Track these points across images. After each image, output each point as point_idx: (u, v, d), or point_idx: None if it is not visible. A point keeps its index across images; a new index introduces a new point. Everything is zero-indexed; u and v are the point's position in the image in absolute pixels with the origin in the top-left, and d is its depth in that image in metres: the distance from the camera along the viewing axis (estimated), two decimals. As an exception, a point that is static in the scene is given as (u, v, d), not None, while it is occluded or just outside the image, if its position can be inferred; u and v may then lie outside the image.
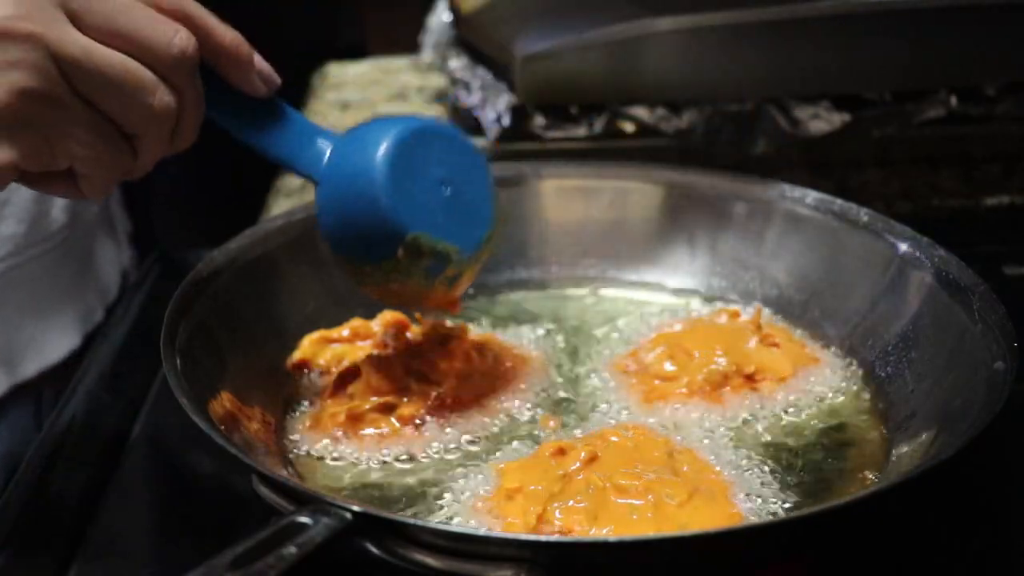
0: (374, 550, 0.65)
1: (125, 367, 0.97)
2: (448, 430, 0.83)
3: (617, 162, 1.05)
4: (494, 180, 0.84)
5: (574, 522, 0.71)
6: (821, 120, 1.15)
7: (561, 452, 0.76)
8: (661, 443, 0.78)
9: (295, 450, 0.83)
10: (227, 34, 0.74)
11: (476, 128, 1.22)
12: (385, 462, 0.81)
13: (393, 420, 0.83)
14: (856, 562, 0.74)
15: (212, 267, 0.88)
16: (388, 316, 0.91)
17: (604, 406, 0.87)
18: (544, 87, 1.16)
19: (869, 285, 0.92)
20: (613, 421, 0.84)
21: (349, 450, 0.82)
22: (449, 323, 0.92)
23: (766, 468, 0.79)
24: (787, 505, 0.75)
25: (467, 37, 1.28)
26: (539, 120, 1.17)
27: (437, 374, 0.85)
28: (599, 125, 1.17)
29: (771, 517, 0.74)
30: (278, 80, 0.78)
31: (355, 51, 1.70)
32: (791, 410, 0.85)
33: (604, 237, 1.04)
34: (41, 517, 0.80)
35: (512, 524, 0.72)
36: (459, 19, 1.31)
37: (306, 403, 0.87)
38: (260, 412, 0.84)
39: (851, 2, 1.12)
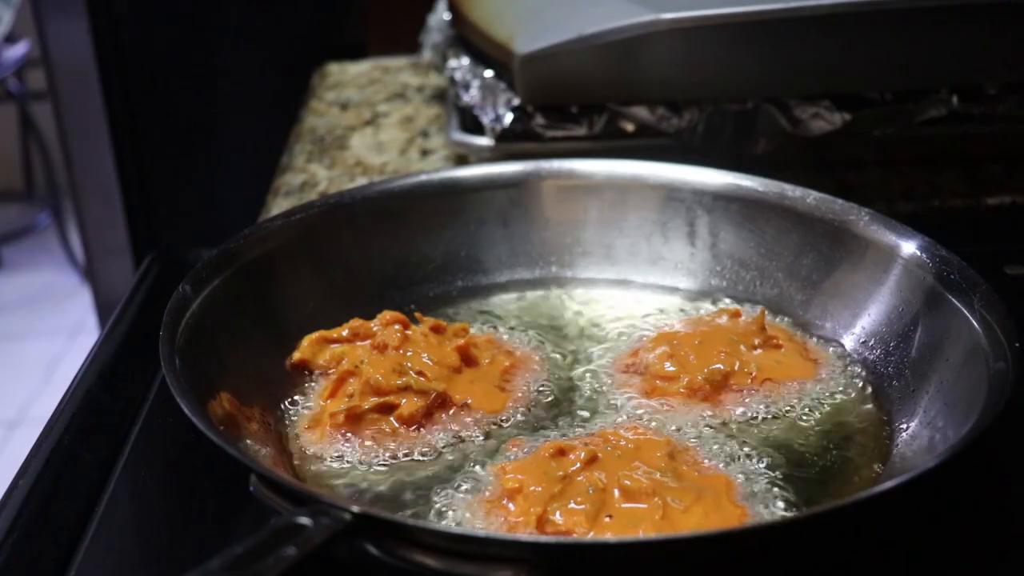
0: (374, 551, 0.65)
1: (125, 367, 0.97)
2: (447, 430, 0.83)
3: (617, 160, 1.05)
4: None
5: (575, 523, 0.71)
6: (821, 120, 1.14)
7: (561, 453, 0.76)
8: (662, 443, 0.78)
9: (294, 450, 0.82)
10: None
11: (476, 128, 1.21)
12: (385, 462, 0.81)
13: (392, 420, 0.83)
14: (855, 562, 0.74)
15: (212, 267, 0.88)
16: (388, 316, 0.91)
17: (604, 406, 0.86)
18: (544, 87, 1.16)
19: (870, 285, 0.92)
20: (613, 421, 0.84)
21: (349, 450, 0.82)
22: (449, 323, 0.92)
23: (768, 468, 0.79)
24: (789, 506, 0.75)
25: (467, 37, 1.28)
26: (539, 120, 1.17)
27: (436, 374, 0.85)
28: (599, 125, 1.16)
29: (774, 517, 0.74)
30: None
31: (355, 51, 1.70)
32: (792, 410, 0.85)
33: (604, 237, 1.04)
34: (41, 517, 0.80)
35: (512, 525, 0.72)
36: (459, 19, 1.30)
37: (306, 403, 0.87)
38: (259, 412, 0.83)
39: (851, 2, 1.12)
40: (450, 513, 0.75)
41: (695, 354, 0.88)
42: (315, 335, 0.90)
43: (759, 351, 0.89)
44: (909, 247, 0.90)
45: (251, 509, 0.72)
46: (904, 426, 0.82)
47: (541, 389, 0.89)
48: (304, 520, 0.63)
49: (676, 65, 1.14)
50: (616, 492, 0.73)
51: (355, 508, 0.64)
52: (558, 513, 0.72)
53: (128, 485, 0.84)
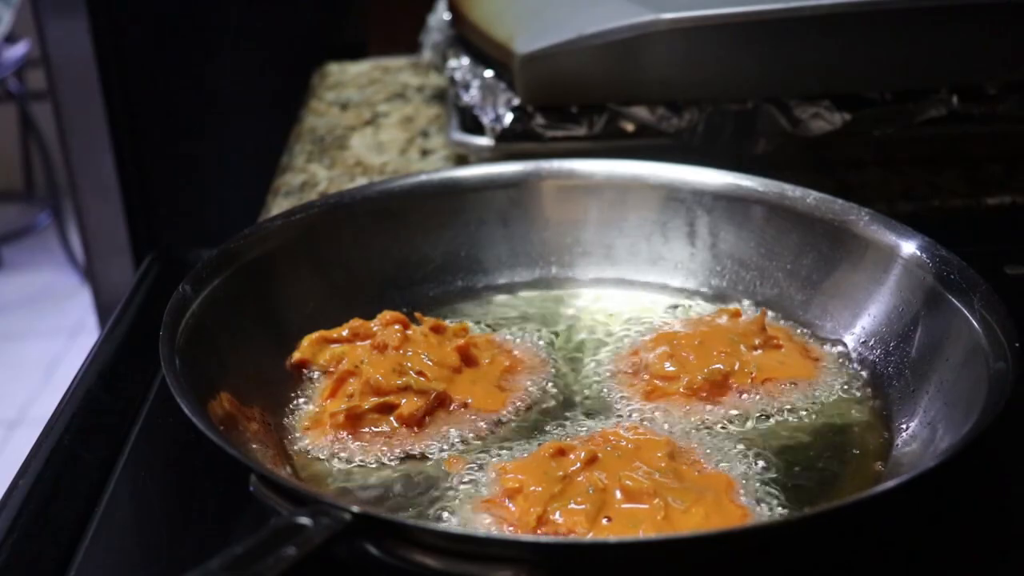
0: (373, 551, 0.65)
1: (125, 367, 0.97)
2: (447, 430, 0.83)
3: (617, 160, 1.05)
4: None
5: (575, 523, 0.71)
6: (821, 120, 1.14)
7: (561, 453, 0.76)
8: (662, 443, 0.78)
9: (294, 450, 0.82)
10: None
11: (476, 128, 1.21)
12: (385, 462, 0.81)
13: (393, 420, 0.83)
14: (855, 562, 0.74)
15: (212, 267, 0.88)
16: (388, 316, 0.91)
17: (604, 406, 0.86)
18: (544, 87, 1.16)
19: (870, 285, 0.92)
20: (613, 421, 0.84)
21: (349, 450, 0.82)
22: (449, 323, 0.92)
23: (768, 468, 0.79)
24: (790, 506, 0.75)
25: (467, 37, 1.28)
26: (539, 120, 1.17)
27: (436, 374, 0.85)
28: (599, 125, 1.16)
29: (774, 517, 0.74)
30: None
31: (355, 51, 1.70)
32: (792, 410, 0.85)
33: (604, 237, 1.04)
34: (41, 517, 0.80)
35: (512, 525, 0.72)
36: (459, 19, 1.30)
37: (306, 403, 0.87)
38: (259, 412, 0.83)
39: (851, 2, 1.12)
40: (450, 513, 0.75)
41: (695, 354, 0.88)
42: (315, 335, 0.90)
43: (759, 351, 0.89)
44: (909, 247, 0.90)
45: (251, 509, 0.72)
46: (904, 426, 0.82)
47: (541, 389, 0.89)
48: (304, 520, 0.63)
49: (676, 65, 1.14)
50: (617, 492, 0.72)
51: (355, 508, 0.64)
52: (558, 513, 0.72)
53: (128, 485, 0.84)
